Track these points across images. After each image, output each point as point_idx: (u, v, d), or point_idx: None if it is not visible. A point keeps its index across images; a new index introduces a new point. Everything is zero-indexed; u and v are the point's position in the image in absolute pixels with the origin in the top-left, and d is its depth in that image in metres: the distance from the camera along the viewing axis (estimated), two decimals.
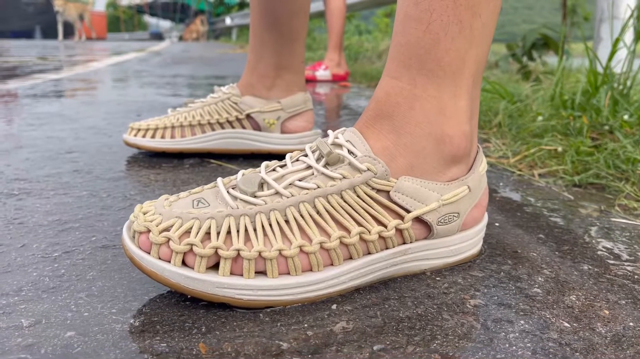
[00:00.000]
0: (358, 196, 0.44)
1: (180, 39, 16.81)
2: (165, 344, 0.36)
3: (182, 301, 0.42)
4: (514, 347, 0.36)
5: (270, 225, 0.41)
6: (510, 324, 0.39)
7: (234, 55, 5.19)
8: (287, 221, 0.42)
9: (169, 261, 0.40)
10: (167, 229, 0.41)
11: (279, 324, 0.39)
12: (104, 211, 0.62)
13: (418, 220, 0.45)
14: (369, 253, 0.44)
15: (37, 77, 2.39)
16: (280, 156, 0.89)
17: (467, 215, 0.48)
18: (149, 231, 0.41)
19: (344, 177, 0.44)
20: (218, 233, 0.40)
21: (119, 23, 26.35)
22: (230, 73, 2.82)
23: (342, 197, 0.43)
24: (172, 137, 0.87)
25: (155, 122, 0.88)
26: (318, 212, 0.43)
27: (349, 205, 0.43)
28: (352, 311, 0.41)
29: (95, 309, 0.40)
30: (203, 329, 0.38)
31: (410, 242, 0.46)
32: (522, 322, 0.40)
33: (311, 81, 2.49)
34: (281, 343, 0.36)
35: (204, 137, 0.87)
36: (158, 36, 18.02)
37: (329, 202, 0.43)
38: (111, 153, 0.91)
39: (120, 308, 0.40)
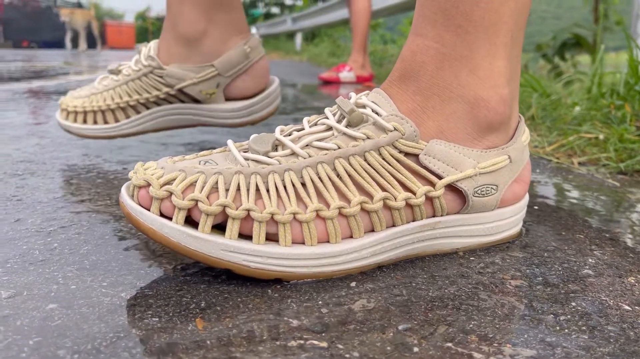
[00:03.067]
0: (383, 158, 0.38)
1: None
2: (157, 319, 0.31)
3: (181, 276, 0.37)
4: (566, 330, 0.31)
5: (285, 187, 0.36)
6: (560, 306, 0.33)
7: None
8: (303, 184, 0.37)
9: (171, 219, 0.35)
10: (169, 183, 0.36)
11: (289, 301, 0.34)
12: (111, 191, 0.58)
13: (451, 189, 0.40)
14: (394, 226, 0.38)
15: (62, 78, 2.40)
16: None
17: (506, 189, 0.42)
18: (149, 185, 0.36)
19: (368, 137, 0.38)
20: (227, 191, 0.36)
21: (147, 34, 26.84)
22: None
23: (365, 159, 0.38)
24: (106, 122, 0.72)
25: (82, 100, 0.72)
26: (338, 175, 0.37)
27: (373, 168, 0.38)
28: (375, 289, 0.36)
29: (84, 282, 0.36)
30: (202, 305, 0.33)
31: (442, 215, 0.40)
32: (573, 304, 0.34)
33: (335, 83, 2.44)
34: (290, 320, 0.31)
35: (140, 119, 0.72)
36: None
37: (350, 164, 0.38)
38: (123, 140, 0.88)
39: (112, 281, 0.36)
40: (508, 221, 0.43)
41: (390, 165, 0.38)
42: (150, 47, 0.71)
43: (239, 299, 0.34)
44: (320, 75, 2.54)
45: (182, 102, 0.71)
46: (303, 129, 0.41)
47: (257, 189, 0.36)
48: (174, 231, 0.35)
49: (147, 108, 0.71)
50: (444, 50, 0.40)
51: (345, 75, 2.47)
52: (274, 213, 0.35)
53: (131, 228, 0.46)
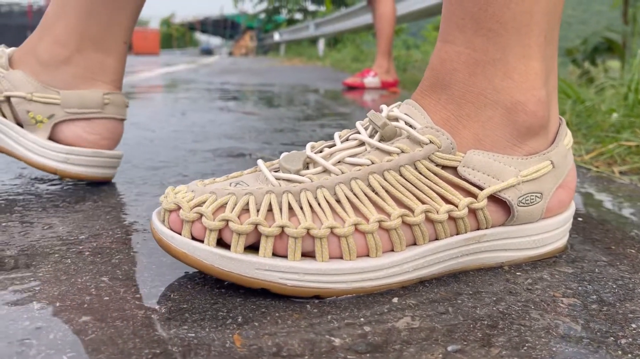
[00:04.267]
0: (420, 172, 0.37)
1: (230, 54, 17.15)
2: (193, 334, 0.30)
3: (216, 287, 0.36)
4: (629, 355, 0.28)
5: (319, 203, 0.35)
6: (620, 328, 0.31)
7: (281, 67, 5.21)
8: (338, 201, 0.35)
9: (202, 242, 0.34)
10: (199, 205, 0.35)
11: (329, 316, 0.32)
12: (139, 197, 0.57)
13: (494, 200, 0.38)
14: (437, 239, 0.37)
15: None
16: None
17: (551, 196, 0.40)
18: (179, 208, 0.35)
19: (403, 151, 0.37)
20: (258, 210, 0.34)
21: (171, 40, 27.20)
22: (277, 82, 2.80)
23: (400, 174, 0.36)
24: None
25: None
26: (373, 190, 0.36)
27: (410, 182, 0.36)
28: (418, 306, 0.34)
29: (117, 293, 0.35)
30: (239, 320, 0.32)
31: (487, 227, 0.38)
32: (633, 326, 0.32)
33: (359, 88, 2.43)
34: (332, 338, 0.30)
35: None
36: (208, 52, 18.44)
37: (385, 179, 0.36)
38: (152, 145, 0.87)
39: (146, 293, 0.35)
40: (554, 233, 0.41)
41: (427, 178, 0.36)
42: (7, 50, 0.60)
43: (276, 315, 0.32)
44: (345, 80, 2.53)
45: (4, 116, 0.58)
46: (334, 145, 0.39)
47: (290, 207, 0.35)
48: (206, 253, 0.33)
49: None
50: (475, 55, 0.38)
51: (370, 80, 2.45)
52: (309, 227, 0.33)
53: None
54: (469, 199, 0.37)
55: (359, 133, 0.39)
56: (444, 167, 0.37)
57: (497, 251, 0.39)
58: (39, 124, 0.58)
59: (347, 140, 0.40)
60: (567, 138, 0.42)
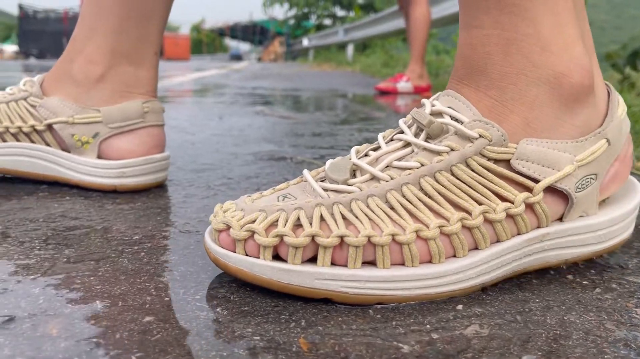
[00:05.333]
0: (472, 169, 0.35)
1: (259, 59, 17.28)
2: (258, 338, 0.29)
3: (275, 291, 0.35)
4: None
5: (373, 211, 0.34)
6: None
7: (311, 72, 5.23)
8: (391, 208, 0.35)
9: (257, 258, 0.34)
10: (250, 223, 0.34)
11: (393, 323, 0.31)
12: (187, 199, 0.57)
13: (549, 190, 0.36)
14: (498, 241, 0.36)
15: None
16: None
17: (606, 173, 0.39)
18: (229, 227, 0.35)
19: (452, 149, 0.36)
20: (310, 223, 0.34)
21: (201, 46, 27.58)
22: (309, 86, 2.81)
23: (452, 174, 0.35)
24: None
25: None
26: (427, 194, 0.35)
27: (464, 182, 0.35)
28: (485, 314, 0.33)
29: (176, 294, 0.35)
30: (302, 323, 0.31)
31: (546, 222, 0.37)
32: None
33: (392, 93, 2.41)
34: (400, 344, 0.29)
35: None
36: (238, 57, 18.64)
37: (437, 181, 0.35)
38: (194, 148, 0.88)
39: (205, 294, 0.35)
40: (620, 225, 0.40)
41: (481, 176, 0.35)
42: (27, 78, 0.61)
43: (339, 319, 0.32)
44: (377, 85, 2.52)
45: (47, 145, 0.59)
46: (379, 147, 0.38)
47: (343, 217, 0.34)
48: (265, 268, 0.33)
49: (4, 141, 0.58)
50: (506, 34, 0.36)
51: (403, 85, 2.43)
52: (370, 235, 0.33)
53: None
54: (525, 194, 0.35)
55: (403, 132, 0.38)
56: (496, 162, 0.36)
57: (561, 249, 0.38)
58: (85, 145, 0.58)
59: (391, 140, 0.39)
60: (620, 107, 0.40)
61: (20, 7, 11.85)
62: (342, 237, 0.33)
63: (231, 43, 30.90)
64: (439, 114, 0.38)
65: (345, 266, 0.33)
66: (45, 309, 0.32)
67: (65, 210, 0.52)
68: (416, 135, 0.38)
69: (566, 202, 0.37)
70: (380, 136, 0.39)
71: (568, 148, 0.37)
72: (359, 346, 0.29)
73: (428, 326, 0.31)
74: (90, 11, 0.59)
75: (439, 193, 0.35)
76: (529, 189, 0.36)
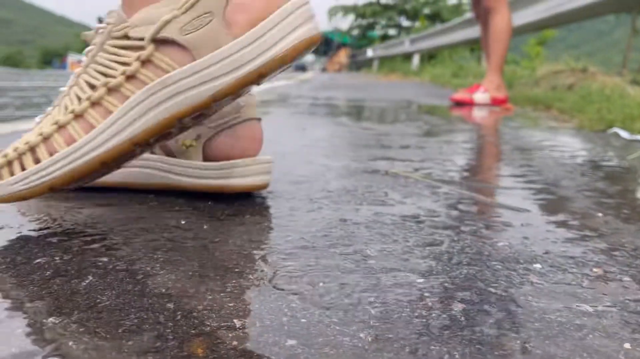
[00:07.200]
0: (107, 52, 0.45)
1: (323, 70, 17.42)
2: None
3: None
4: None
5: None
6: None
7: (379, 82, 5.21)
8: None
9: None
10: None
11: None
12: (293, 212, 0.56)
13: (171, 44, 0.43)
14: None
15: None
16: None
17: (227, 6, 0.43)
18: None
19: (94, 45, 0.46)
20: None
21: None
22: (380, 97, 2.78)
23: (96, 62, 0.45)
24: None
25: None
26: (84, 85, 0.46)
27: (100, 65, 0.44)
28: None
29: (312, 316, 0.33)
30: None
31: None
32: None
33: (468, 104, 2.35)
34: None
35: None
36: (302, 68, 18.88)
37: (86, 72, 0.45)
38: (285, 159, 0.88)
39: (343, 318, 0.33)
40: (254, 46, 0.43)
41: (109, 53, 0.45)
42: None
43: None
44: (452, 96, 2.46)
45: (153, 152, 0.59)
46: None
47: None
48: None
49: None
50: None
51: (480, 96, 2.37)
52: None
53: (342, 254, 0.43)
54: (137, 53, 0.43)
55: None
56: (123, 38, 0.44)
57: (195, 88, 0.43)
58: (189, 149, 0.58)
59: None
60: None
61: (100, 20, 12.54)
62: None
63: None
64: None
65: None
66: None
67: (177, 220, 0.52)
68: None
69: (190, 55, 0.43)
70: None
71: (169, 3, 0.43)
72: None
73: None
74: None
75: (84, 80, 0.45)
76: (143, 49, 0.43)
